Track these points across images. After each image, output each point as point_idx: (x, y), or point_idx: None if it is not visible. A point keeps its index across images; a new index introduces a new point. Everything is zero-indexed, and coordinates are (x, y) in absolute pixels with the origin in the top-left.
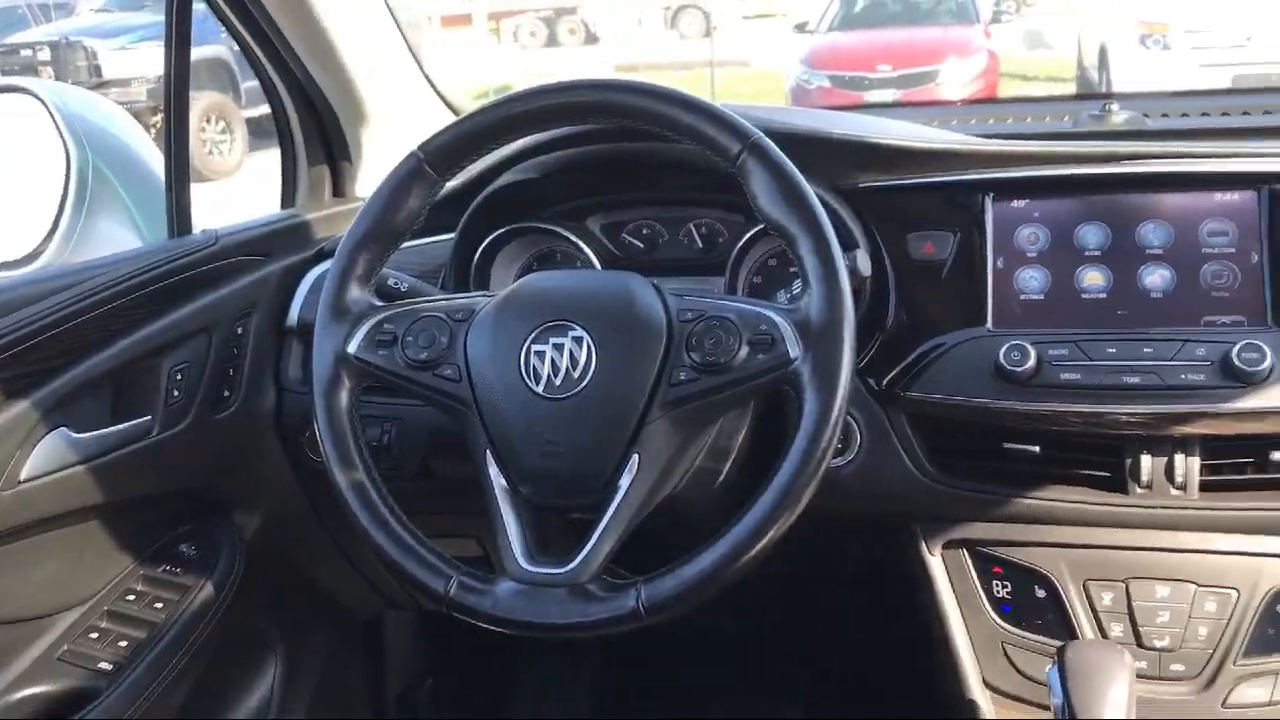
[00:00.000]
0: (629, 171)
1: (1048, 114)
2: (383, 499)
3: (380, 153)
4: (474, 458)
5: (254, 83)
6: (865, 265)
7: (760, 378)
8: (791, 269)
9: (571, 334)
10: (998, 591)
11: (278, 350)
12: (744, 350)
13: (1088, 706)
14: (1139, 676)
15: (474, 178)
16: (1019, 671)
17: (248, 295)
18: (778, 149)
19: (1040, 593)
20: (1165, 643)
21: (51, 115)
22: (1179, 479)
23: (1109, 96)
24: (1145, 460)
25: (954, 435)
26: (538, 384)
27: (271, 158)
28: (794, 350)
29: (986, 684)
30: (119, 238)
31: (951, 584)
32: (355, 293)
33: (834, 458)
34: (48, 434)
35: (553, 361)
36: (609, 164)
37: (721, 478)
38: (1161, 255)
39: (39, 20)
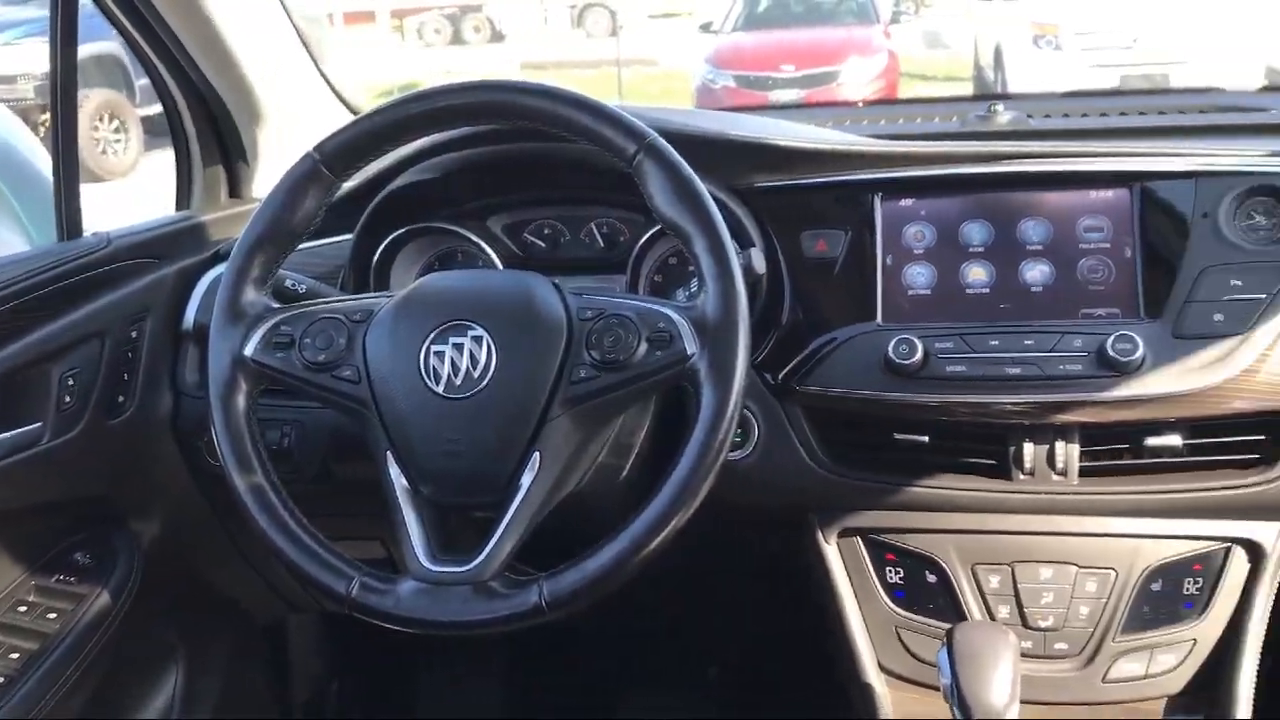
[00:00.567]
0: (530, 171)
1: (938, 115)
2: (282, 502)
3: (278, 153)
4: (374, 459)
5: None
6: (760, 263)
7: (659, 374)
8: (691, 268)
9: (471, 334)
10: (891, 577)
11: (174, 354)
12: (643, 347)
13: (975, 686)
14: (1024, 655)
15: (372, 178)
16: (911, 654)
17: (142, 299)
18: (672, 150)
19: (931, 577)
20: (1049, 622)
21: None
22: (1060, 465)
23: (1002, 97)
24: (1028, 448)
25: (847, 427)
26: (438, 384)
27: (169, 157)
28: (691, 347)
29: (881, 667)
30: (6, 242)
31: (847, 571)
32: (251, 295)
33: (732, 451)
34: None
35: (452, 361)
36: (510, 164)
37: (624, 474)
38: (1041, 251)
39: None
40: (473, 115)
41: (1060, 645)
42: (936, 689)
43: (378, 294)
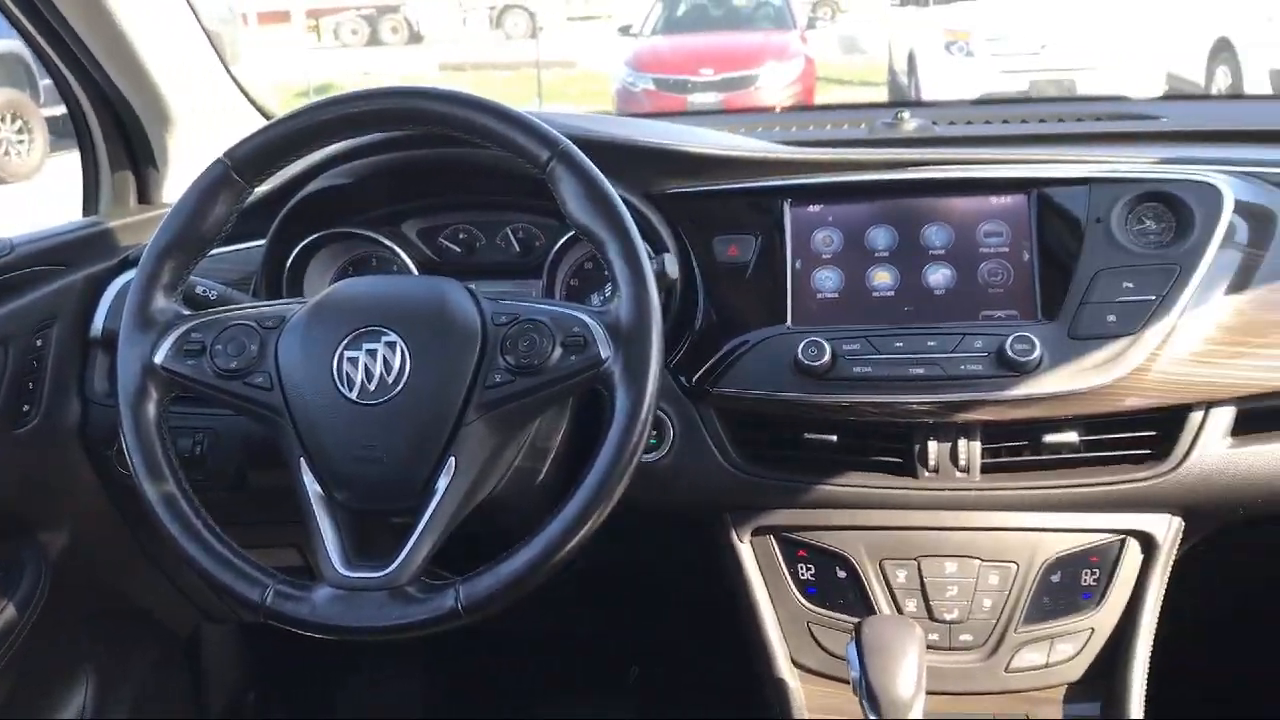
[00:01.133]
0: (445, 176)
1: (848, 121)
2: (195, 510)
3: (188, 158)
4: (288, 466)
5: None
6: (673, 268)
7: (573, 378)
8: (606, 272)
9: (385, 339)
10: (803, 574)
11: (82, 362)
12: (557, 352)
13: (882, 678)
14: (931, 648)
15: (285, 183)
16: (823, 649)
17: (47, 305)
18: (585, 156)
19: (841, 573)
20: (954, 615)
21: None
22: (962, 462)
23: (914, 104)
24: (932, 446)
25: (759, 427)
26: (351, 390)
27: (77, 159)
28: (605, 351)
29: (794, 662)
30: None
31: (760, 569)
32: (161, 302)
33: (648, 453)
34: None
35: (366, 367)
36: (425, 169)
37: (541, 477)
38: (943, 255)
39: None
40: (386, 121)
41: (965, 637)
42: (847, 682)
43: (290, 300)
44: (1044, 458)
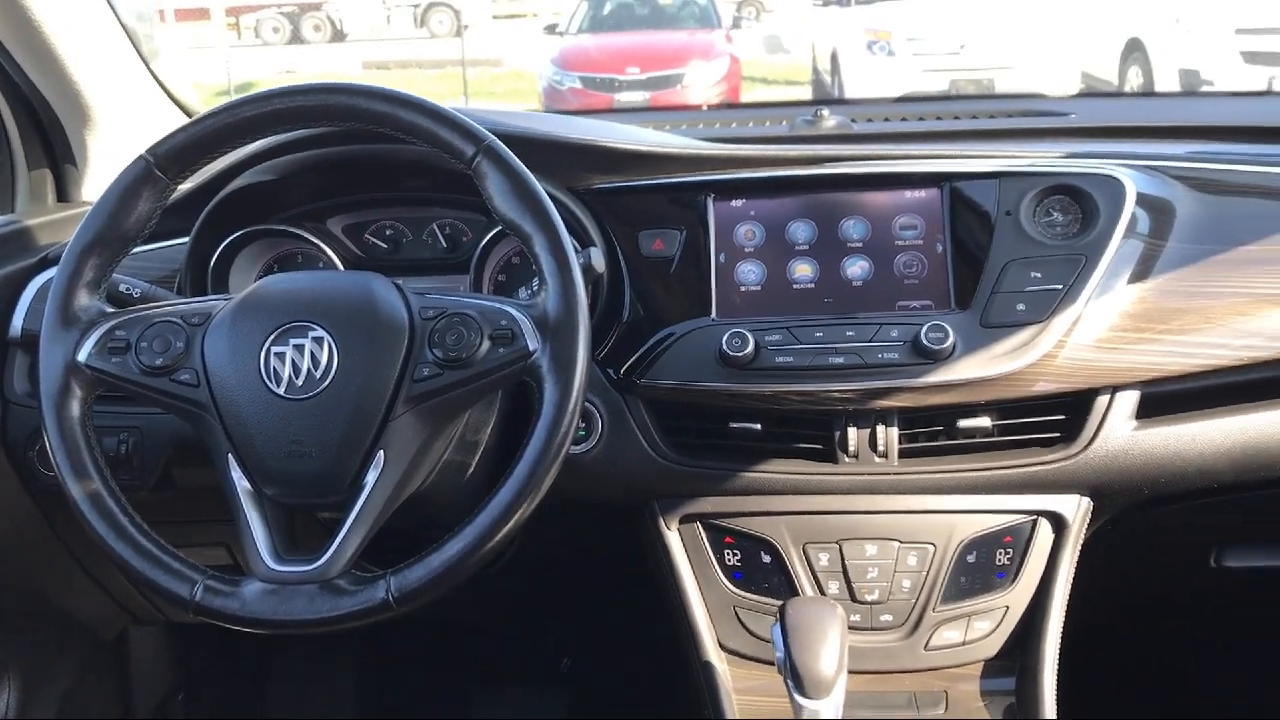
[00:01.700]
0: (371, 172)
1: (769, 119)
2: (121, 508)
3: (109, 155)
4: (216, 462)
5: None
6: (599, 262)
7: (501, 371)
8: (533, 267)
9: (312, 334)
10: (729, 560)
11: (0, 363)
12: (485, 345)
13: (805, 658)
14: (853, 628)
15: (209, 179)
16: (749, 632)
17: None
18: (510, 152)
19: (766, 558)
20: (875, 596)
21: None
22: (881, 448)
23: (838, 102)
24: (852, 432)
25: (686, 417)
26: (279, 385)
27: None
28: (533, 343)
29: (722, 646)
30: None
31: (688, 556)
32: (84, 300)
33: (577, 445)
34: None
35: (293, 362)
36: (350, 165)
37: (471, 471)
38: (861, 248)
39: None
40: (309, 118)
41: (886, 617)
42: (772, 663)
43: (216, 296)
44: (959, 442)
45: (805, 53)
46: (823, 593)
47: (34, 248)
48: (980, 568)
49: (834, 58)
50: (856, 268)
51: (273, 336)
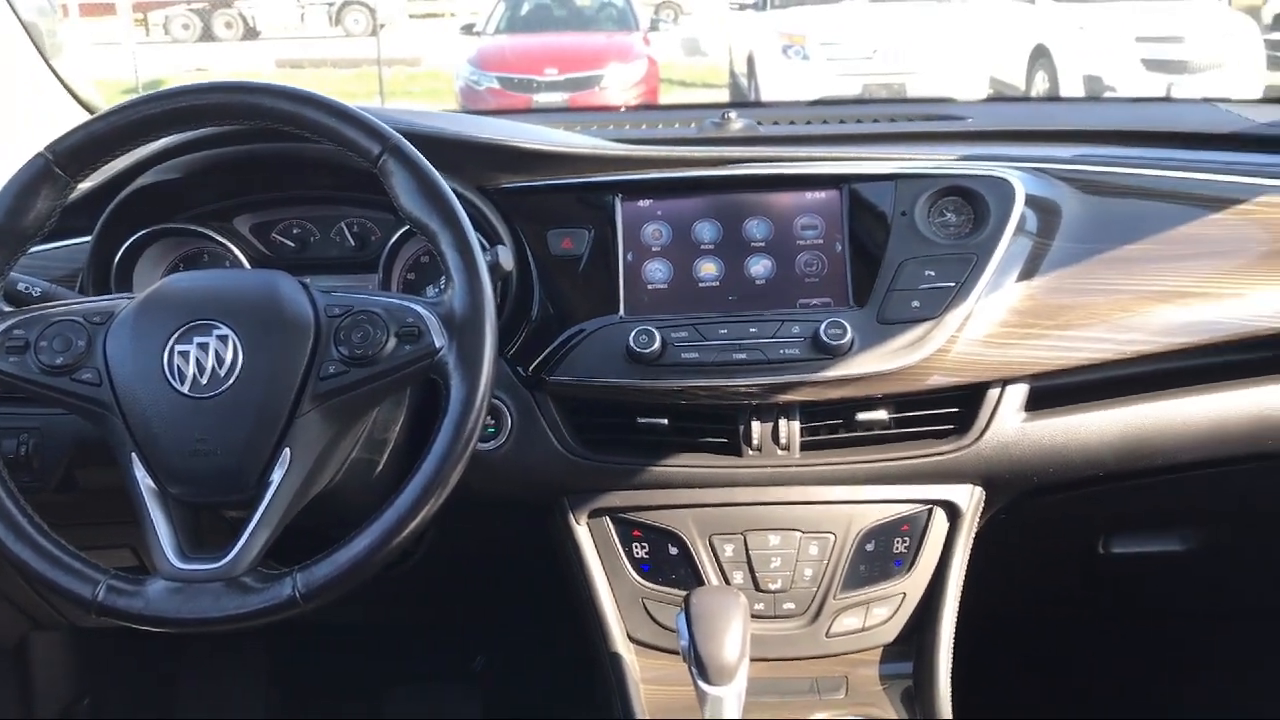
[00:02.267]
0: (278, 171)
1: (678, 120)
2: (20, 509)
3: (6, 153)
4: (119, 462)
5: None
6: (507, 260)
7: (408, 368)
8: (440, 264)
9: (216, 332)
10: (637, 553)
11: None
12: (392, 342)
13: (709, 646)
14: (756, 616)
15: (112, 177)
16: (657, 622)
17: None
18: (416, 150)
19: (673, 550)
20: (778, 585)
21: None
22: (783, 441)
23: (746, 105)
24: (755, 426)
25: (595, 413)
26: (183, 384)
27: None
28: (439, 340)
29: (630, 637)
30: None
31: (597, 550)
32: None
33: (486, 442)
34: None
35: (197, 361)
36: (256, 163)
37: (379, 469)
38: (764, 247)
39: None
40: (213, 116)
41: (788, 605)
42: (679, 653)
43: (119, 295)
44: (858, 434)
45: (723, 56)
46: (728, 583)
47: None
48: (879, 556)
49: (750, 61)
50: (760, 266)
51: (176, 334)
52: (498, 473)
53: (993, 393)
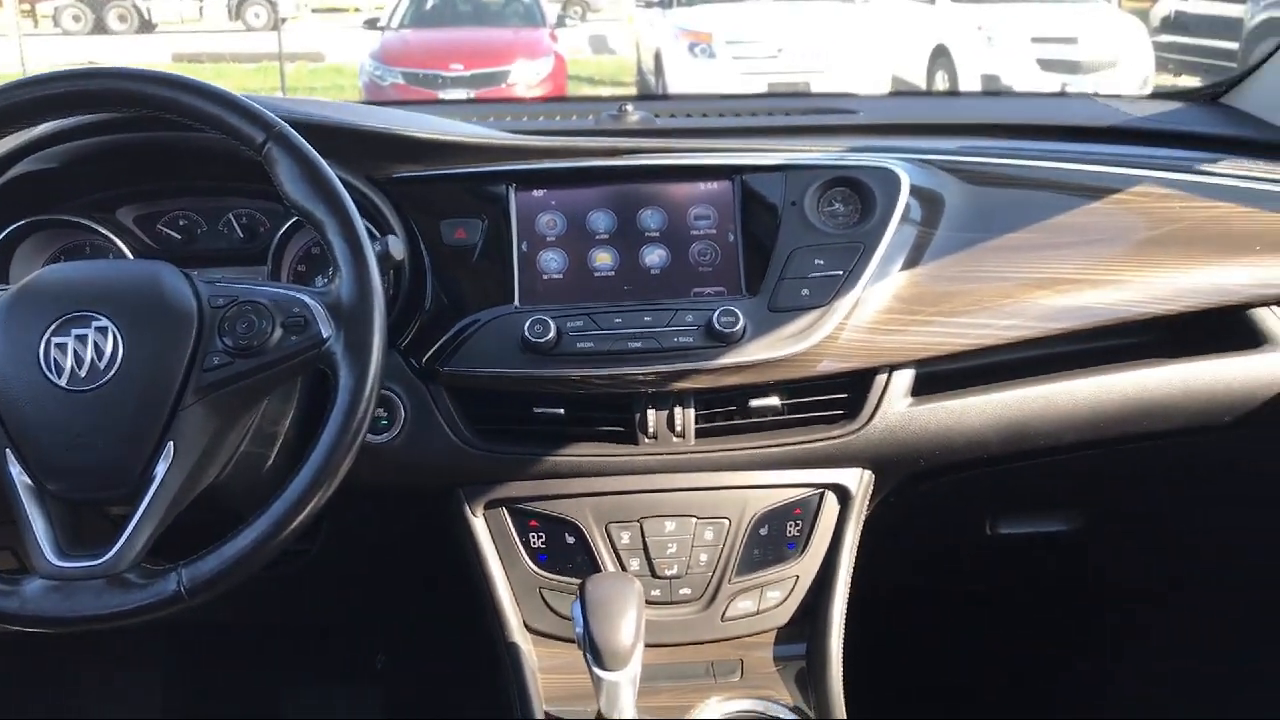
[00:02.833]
0: (161, 161)
1: (576, 113)
2: None
3: None
4: None
5: None
6: (398, 250)
7: (295, 358)
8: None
9: (95, 324)
10: (534, 543)
11: None
12: (278, 333)
13: (604, 632)
14: (653, 602)
15: None
16: (554, 611)
17: None
18: (301, 138)
19: (570, 539)
20: (674, 570)
21: None
22: (679, 428)
23: (647, 98)
24: (651, 414)
25: (490, 404)
26: (61, 377)
27: None
28: (326, 330)
29: (527, 627)
30: None
31: (493, 541)
32: None
33: (379, 434)
34: None
35: (75, 353)
36: (138, 153)
37: (269, 463)
38: (658, 237)
39: None
40: (91, 104)
41: (684, 591)
42: (574, 641)
43: None
44: (751, 421)
45: (631, 53)
46: (624, 570)
47: None
48: (772, 540)
49: (658, 59)
50: (654, 256)
51: (53, 327)
52: (391, 465)
53: (880, 378)
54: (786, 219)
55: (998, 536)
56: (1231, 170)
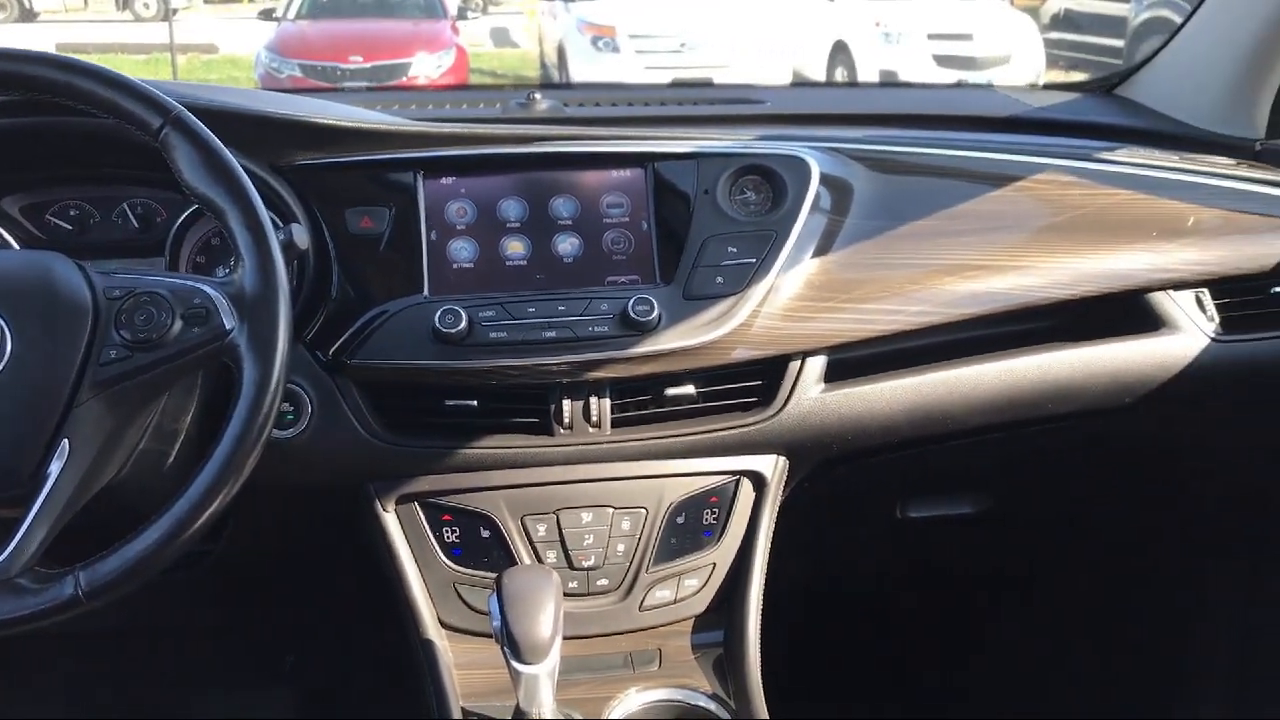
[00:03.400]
0: (50, 147)
1: (483, 101)
2: None
3: None
4: None
5: None
6: (302, 238)
7: (196, 351)
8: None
9: None
10: (448, 537)
11: None
12: (178, 325)
13: (521, 625)
14: (570, 595)
15: None
16: (470, 607)
17: None
18: (201, 124)
19: (485, 533)
20: (591, 562)
21: None
22: (594, 418)
23: (556, 87)
24: (566, 404)
25: (400, 397)
26: None
27: None
28: (229, 322)
29: (442, 623)
30: None
31: (406, 537)
32: None
33: (285, 429)
34: None
35: None
36: (25, 138)
37: (170, 461)
38: (571, 225)
39: None
40: None
41: (602, 582)
42: (493, 635)
43: None
44: (667, 409)
45: (534, 46)
46: (541, 562)
47: None
48: (689, 528)
49: (561, 52)
50: (567, 244)
51: None
52: (298, 460)
53: (793, 365)
54: (699, 207)
55: (906, 520)
56: (1128, 159)
